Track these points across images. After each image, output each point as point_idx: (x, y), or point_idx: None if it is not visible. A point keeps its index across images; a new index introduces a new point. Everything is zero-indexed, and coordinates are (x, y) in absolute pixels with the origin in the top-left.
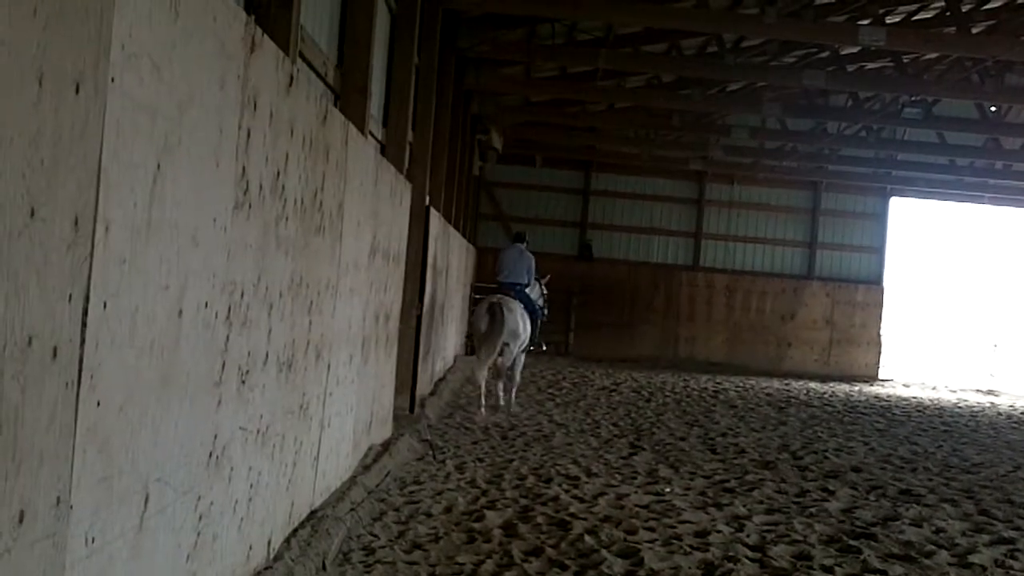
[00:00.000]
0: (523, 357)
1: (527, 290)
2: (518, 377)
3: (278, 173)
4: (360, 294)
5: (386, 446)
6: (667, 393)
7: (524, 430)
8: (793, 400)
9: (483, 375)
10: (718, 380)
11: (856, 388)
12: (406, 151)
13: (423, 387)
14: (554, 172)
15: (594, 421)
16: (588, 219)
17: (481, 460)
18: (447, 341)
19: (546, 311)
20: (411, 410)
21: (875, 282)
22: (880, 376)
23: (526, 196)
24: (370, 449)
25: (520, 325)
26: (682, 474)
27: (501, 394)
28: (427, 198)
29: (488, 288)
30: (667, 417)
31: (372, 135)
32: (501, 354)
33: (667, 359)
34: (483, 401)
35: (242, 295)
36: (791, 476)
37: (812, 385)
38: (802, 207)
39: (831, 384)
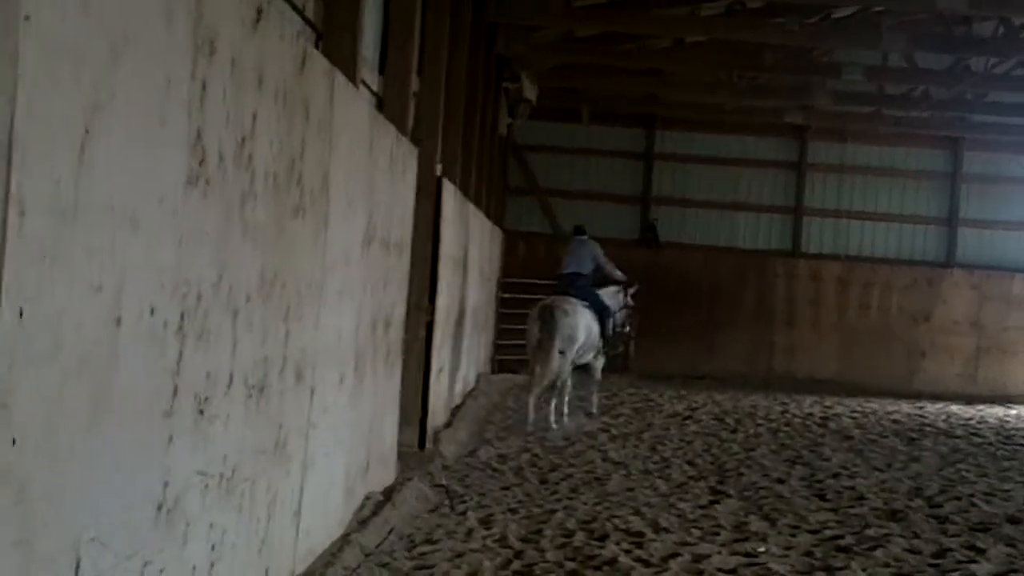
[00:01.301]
0: (601, 362)
1: (602, 294)
2: (597, 384)
3: (243, 139)
4: (352, 296)
5: (388, 494)
6: (759, 421)
7: (570, 471)
8: (928, 429)
9: (536, 395)
10: (827, 403)
11: (1013, 412)
12: (410, 106)
13: (436, 416)
14: (605, 131)
15: (662, 459)
16: (652, 192)
17: (514, 511)
18: (468, 355)
19: (629, 328)
20: (421, 446)
21: None
22: None
23: (569, 163)
24: (367, 498)
25: (579, 327)
26: (780, 528)
27: (552, 418)
28: (439, 167)
29: (519, 284)
30: (759, 453)
31: (365, 85)
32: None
33: (759, 376)
34: (530, 420)
35: (198, 298)
36: (926, 530)
37: (954, 408)
38: (938, 171)
39: (979, 407)
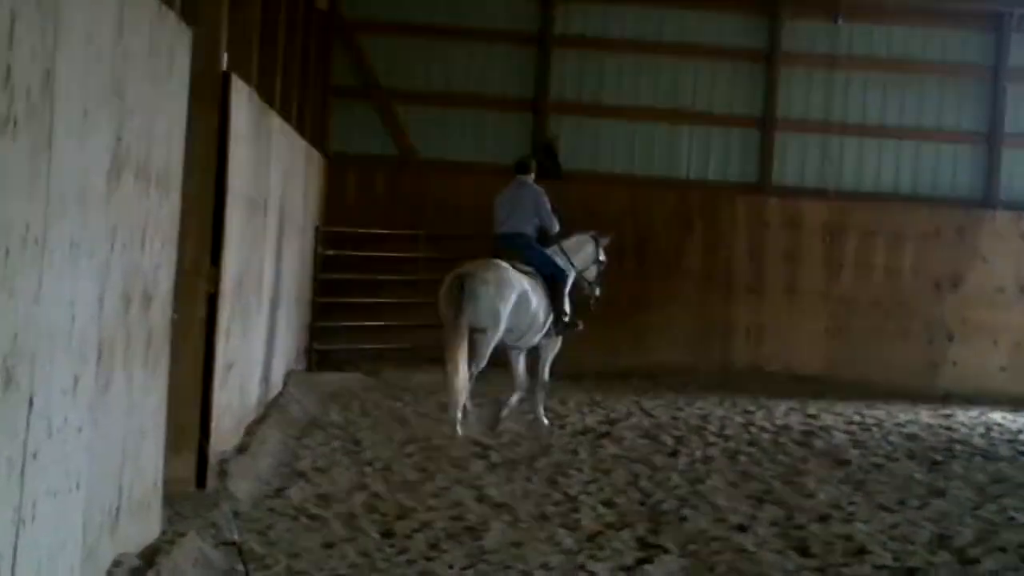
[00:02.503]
0: (555, 345)
1: (566, 249)
2: (546, 373)
3: None
4: (93, 253)
5: (150, 557)
6: (711, 439)
7: (428, 517)
8: (959, 448)
9: (457, 379)
10: (811, 412)
11: None
12: None
13: (224, 437)
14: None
15: (567, 497)
16: (549, 95)
17: None
18: (273, 345)
19: (598, 289)
20: (201, 483)
21: None
22: None
23: (425, 49)
24: (118, 565)
25: (506, 300)
26: None
27: (470, 406)
28: (225, 58)
29: (350, 237)
30: (711, 486)
31: None
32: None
33: (710, 372)
34: (458, 415)
35: None
36: None
37: (996, 417)
38: (973, 64)
39: None
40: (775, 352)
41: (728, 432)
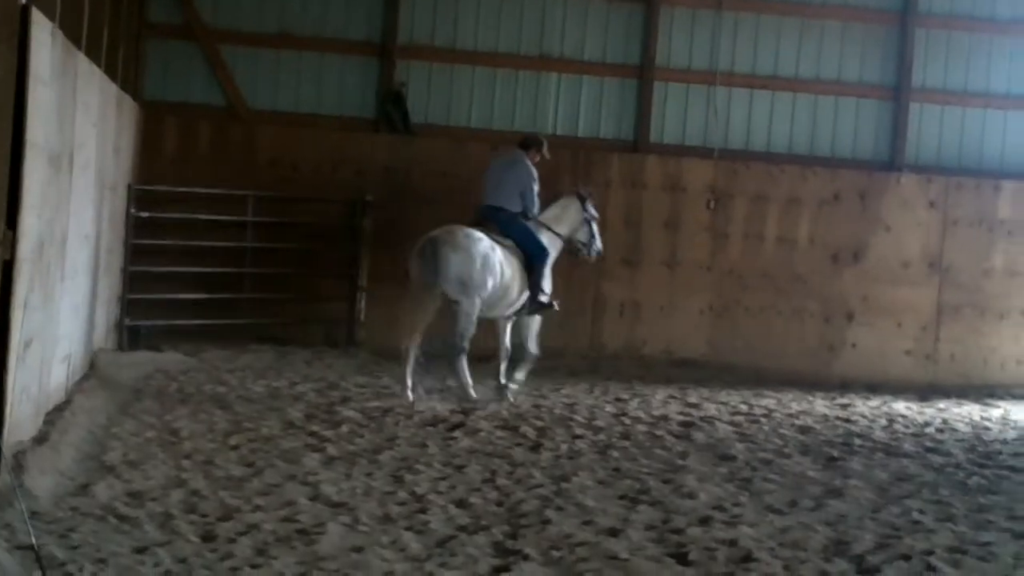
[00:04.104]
0: (534, 323)
1: (547, 221)
2: (533, 347)
3: None
4: None
5: None
6: (578, 430)
7: (255, 518)
8: (858, 443)
9: (410, 342)
10: (692, 400)
11: (997, 412)
12: None
13: (20, 425)
14: None
15: (414, 496)
16: (397, 38)
17: None
18: (78, 319)
19: (596, 248)
20: None
21: None
22: None
23: None
24: None
25: (475, 266)
26: None
27: (410, 376)
28: None
29: (167, 196)
30: (578, 484)
31: None
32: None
33: (576, 354)
34: (408, 381)
35: None
36: None
37: (900, 408)
38: (879, 8)
39: (942, 405)
40: (652, 333)
41: (598, 423)
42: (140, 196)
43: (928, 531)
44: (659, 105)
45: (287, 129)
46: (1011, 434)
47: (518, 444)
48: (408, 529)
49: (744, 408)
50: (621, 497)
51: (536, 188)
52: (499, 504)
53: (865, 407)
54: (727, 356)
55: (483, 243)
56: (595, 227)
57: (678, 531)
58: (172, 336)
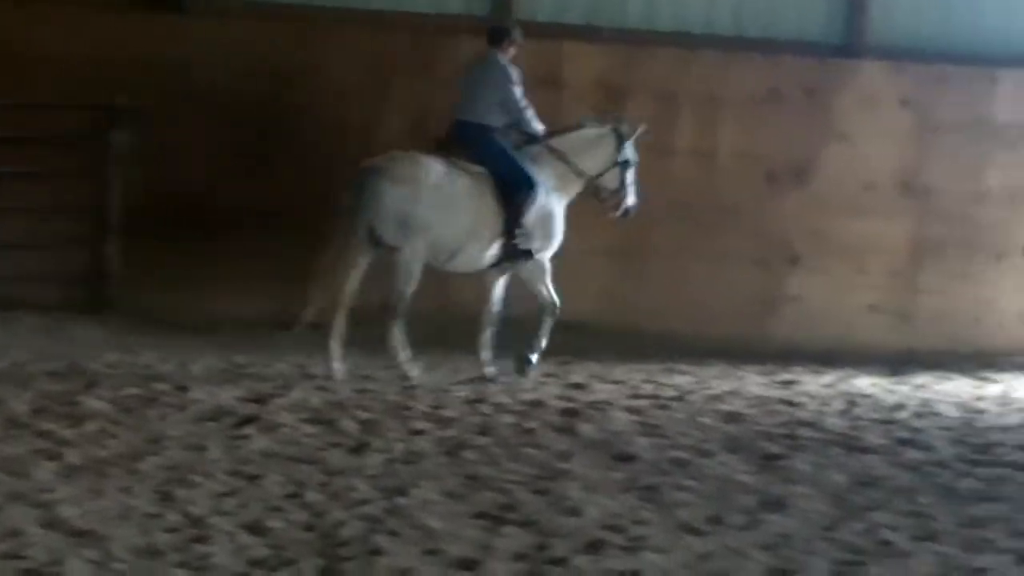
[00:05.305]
0: (538, 267)
1: (535, 150)
2: (547, 294)
3: None
4: None
5: None
6: (417, 423)
7: None
8: (806, 435)
9: (341, 290)
10: (577, 379)
11: (996, 390)
12: None
13: None
14: None
15: (190, 519)
16: None
17: None
18: None
19: (627, 200)
20: None
21: None
22: None
23: None
24: None
25: (416, 205)
26: None
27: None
28: None
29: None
30: (419, 498)
31: None
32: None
33: (422, 316)
34: (333, 343)
35: None
36: None
37: (861, 384)
38: None
39: (919, 380)
40: (522, 287)
41: (446, 413)
42: None
43: (902, 554)
44: None
45: (29, 12)
46: (1014, 419)
47: (335, 444)
48: (181, 566)
49: (649, 389)
50: (479, 516)
51: (519, 92)
52: (309, 529)
53: (815, 385)
54: (626, 317)
55: (434, 172)
56: (631, 175)
57: (558, 561)
58: None
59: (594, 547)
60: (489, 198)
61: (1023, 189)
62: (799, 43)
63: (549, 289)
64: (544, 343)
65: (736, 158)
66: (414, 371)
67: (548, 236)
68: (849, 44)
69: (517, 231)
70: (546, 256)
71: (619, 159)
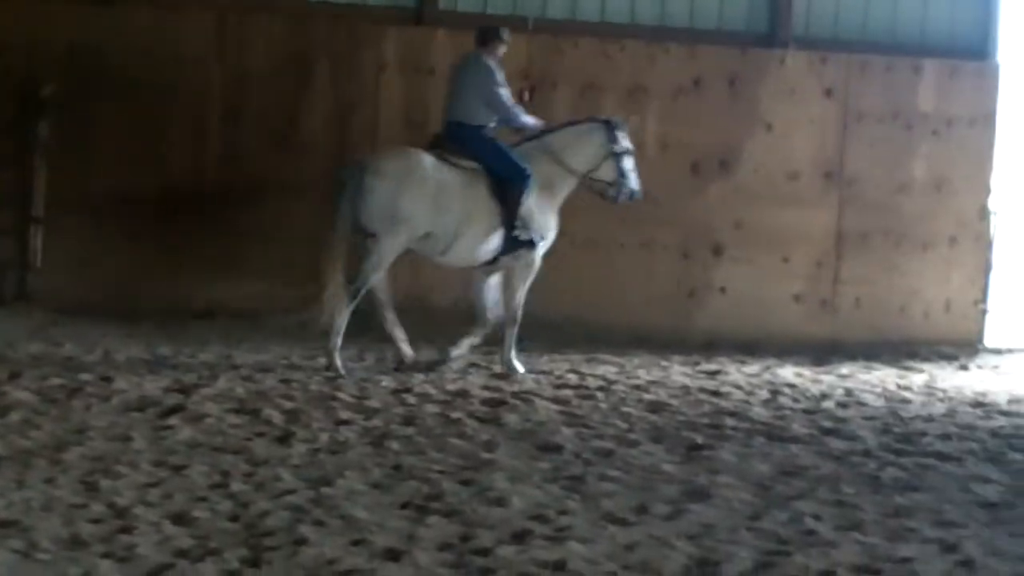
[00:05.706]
0: (525, 267)
1: (531, 147)
2: (517, 306)
3: None
4: None
5: None
6: (343, 413)
7: None
8: (731, 424)
9: (333, 284)
10: (500, 369)
11: (919, 379)
12: None
13: None
14: None
15: (114, 510)
16: None
17: None
18: None
19: (628, 188)
20: None
21: (975, 55)
22: (984, 341)
23: None
24: None
25: (401, 198)
26: None
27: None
28: None
29: None
30: (344, 489)
31: None
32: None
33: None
34: (333, 336)
35: None
36: None
37: (786, 374)
38: None
39: (844, 370)
40: (443, 277)
41: (371, 403)
42: None
43: (827, 544)
44: None
45: None
46: (938, 408)
47: (260, 434)
48: (106, 556)
49: (573, 379)
50: (404, 506)
51: (504, 91)
52: (234, 519)
53: (739, 374)
54: (549, 306)
55: (421, 167)
56: (627, 163)
57: (483, 551)
58: None
59: (519, 537)
60: (483, 192)
61: (947, 179)
62: (723, 33)
63: (522, 297)
64: (512, 353)
65: (661, 148)
66: (339, 361)
67: (545, 231)
68: (772, 33)
69: (516, 223)
70: (539, 253)
71: (612, 150)
